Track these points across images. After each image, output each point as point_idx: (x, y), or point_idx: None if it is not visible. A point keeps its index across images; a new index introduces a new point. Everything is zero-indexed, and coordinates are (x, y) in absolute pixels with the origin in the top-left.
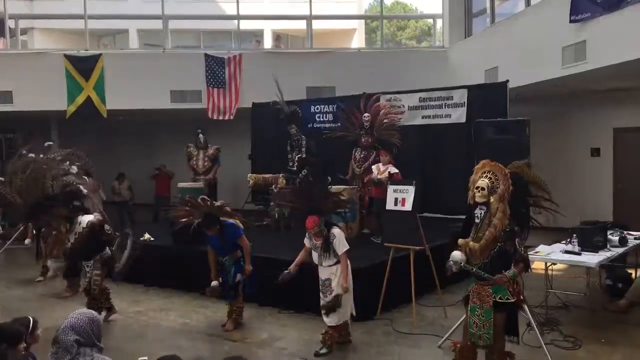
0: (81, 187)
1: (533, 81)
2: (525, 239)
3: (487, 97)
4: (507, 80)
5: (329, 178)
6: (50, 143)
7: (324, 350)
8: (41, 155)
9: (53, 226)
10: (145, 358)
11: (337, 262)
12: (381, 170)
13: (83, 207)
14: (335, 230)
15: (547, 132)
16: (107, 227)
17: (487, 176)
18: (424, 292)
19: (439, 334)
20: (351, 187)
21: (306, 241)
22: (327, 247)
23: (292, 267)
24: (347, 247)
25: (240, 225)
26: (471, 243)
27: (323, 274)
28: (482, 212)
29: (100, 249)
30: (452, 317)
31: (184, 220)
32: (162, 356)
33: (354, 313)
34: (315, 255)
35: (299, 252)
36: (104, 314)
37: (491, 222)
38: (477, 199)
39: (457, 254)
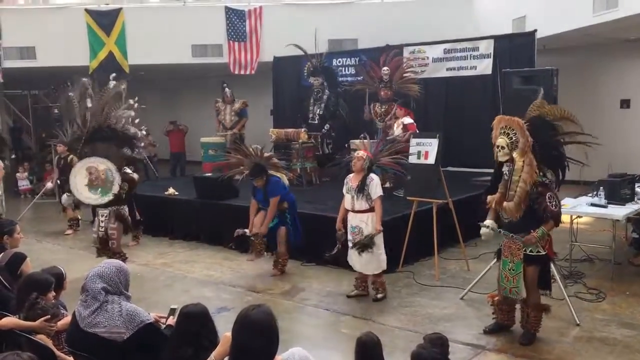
0: (138, 133)
1: (562, 30)
2: (560, 183)
3: (514, 47)
4: (535, 30)
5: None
6: (114, 82)
7: (379, 295)
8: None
9: (104, 156)
10: (177, 306)
11: (369, 210)
12: (398, 123)
13: (129, 158)
14: (374, 175)
15: (575, 84)
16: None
17: (505, 132)
18: (447, 245)
19: (461, 287)
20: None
21: (344, 190)
22: (362, 189)
23: (339, 225)
24: (381, 193)
25: (286, 181)
26: (505, 202)
27: (354, 220)
28: (509, 169)
29: (119, 203)
30: (475, 270)
31: (235, 169)
32: (187, 304)
33: (385, 267)
34: (348, 199)
35: (319, 205)
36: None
37: (520, 177)
38: (500, 158)
39: (488, 223)
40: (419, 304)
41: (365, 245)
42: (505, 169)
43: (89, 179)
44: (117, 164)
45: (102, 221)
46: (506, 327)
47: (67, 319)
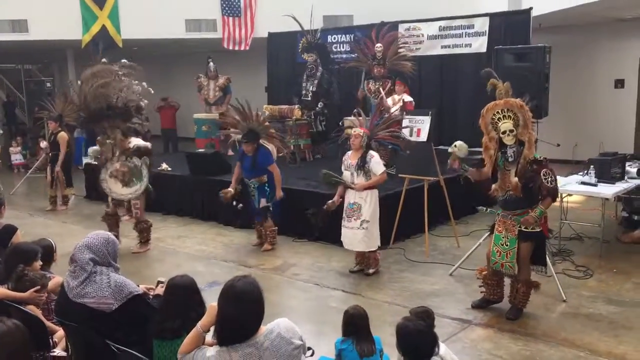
0: (142, 105)
1: (558, 8)
2: None
3: (510, 25)
4: (531, 8)
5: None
6: (125, 61)
7: (371, 270)
8: (113, 67)
9: (108, 134)
10: (164, 279)
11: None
12: (396, 100)
13: (137, 130)
14: (374, 152)
15: (570, 63)
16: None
17: (507, 116)
18: (437, 223)
19: (451, 263)
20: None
21: (342, 167)
22: (362, 166)
23: (335, 198)
24: (384, 169)
25: (274, 154)
26: (512, 179)
27: (351, 197)
28: (514, 150)
29: None
30: (465, 247)
31: (230, 131)
32: (174, 276)
33: (379, 244)
34: (347, 176)
35: (311, 182)
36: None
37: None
38: (508, 142)
39: (459, 143)
40: (408, 280)
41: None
42: (509, 151)
43: (120, 181)
44: (125, 139)
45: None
46: (494, 302)
47: (57, 279)
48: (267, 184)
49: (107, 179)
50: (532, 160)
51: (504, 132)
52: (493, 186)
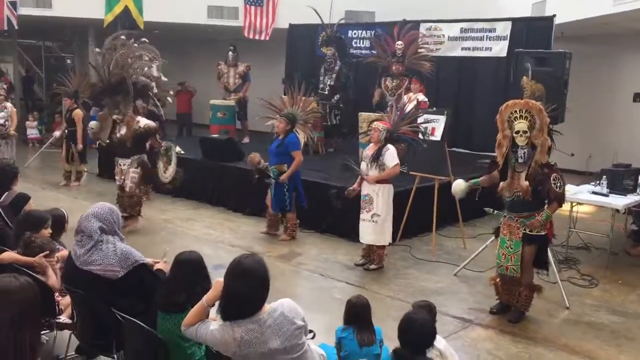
0: (154, 87)
1: (581, 17)
2: None
3: (531, 31)
4: (554, 15)
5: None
6: (145, 40)
7: (373, 266)
8: (134, 44)
9: (117, 109)
10: (167, 249)
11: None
12: (411, 98)
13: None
14: (391, 146)
15: (589, 74)
16: (158, 135)
17: (523, 116)
18: (445, 223)
19: (456, 263)
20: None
21: (360, 158)
22: (377, 157)
23: (355, 186)
24: (397, 162)
25: (301, 142)
26: (523, 182)
27: (365, 189)
28: (525, 151)
29: (140, 152)
30: (471, 249)
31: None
32: (182, 252)
33: (391, 241)
34: (363, 167)
35: (323, 174)
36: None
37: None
38: (520, 143)
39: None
40: (413, 277)
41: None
42: (520, 152)
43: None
44: (133, 117)
45: (123, 170)
46: (512, 307)
47: (65, 252)
48: (286, 186)
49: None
50: (542, 164)
51: (517, 132)
52: (501, 184)
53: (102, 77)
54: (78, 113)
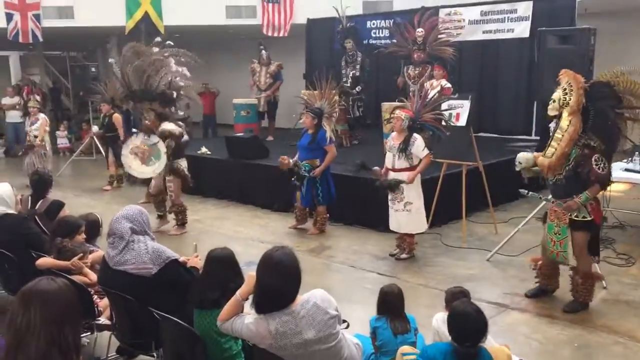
0: (182, 92)
1: None
2: (610, 156)
3: (554, 10)
4: None
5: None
6: (170, 42)
7: (404, 255)
8: (155, 49)
9: (143, 115)
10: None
11: (409, 169)
12: (434, 85)
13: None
14: (418, 135)
15: (615, 50)
16: (184, 138)
17: (562, 87)
18: (475, 209)
19: (488, 249)
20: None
21: (386, 148)
22: (404, 148)
23: (383, 170)
24: (428, 151)
25: (329, 136)
26: (540, 158)
27: (392, 177)
28: (555, 125)
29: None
30: (503, 233)
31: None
32: (214, 248)
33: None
34: (389, 158)
35: (348, 167)
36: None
37: (562, 136)
38: (549, 112)
39: (521, 155)
40: (444, 264)
41: (390, 186)
42: (552, 124)
43: (140, 158)
44: (155, 122)
45: (155, 178)
46: (549, 292)
47: (99, 253)
48: (318, 180)
49: (128, 155)
50: (584, 145)
51: (551, 100)
52: (539, 159)
53: (123, 85)
54: (117, 117)
